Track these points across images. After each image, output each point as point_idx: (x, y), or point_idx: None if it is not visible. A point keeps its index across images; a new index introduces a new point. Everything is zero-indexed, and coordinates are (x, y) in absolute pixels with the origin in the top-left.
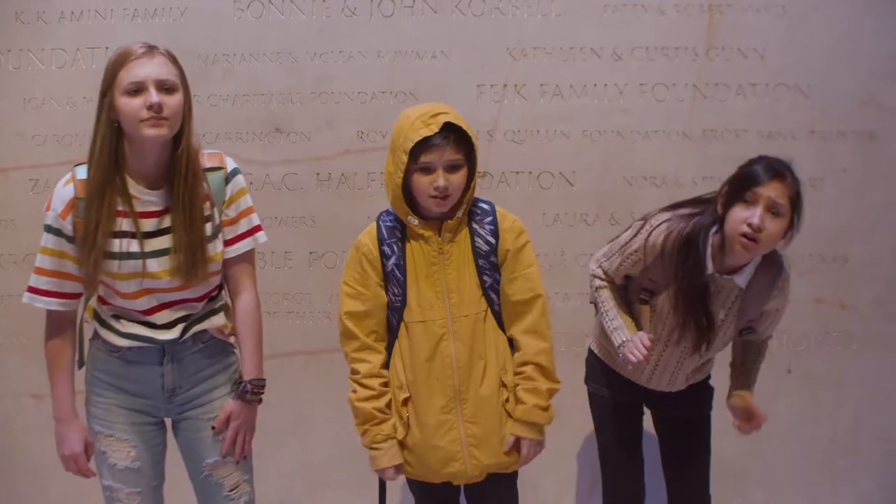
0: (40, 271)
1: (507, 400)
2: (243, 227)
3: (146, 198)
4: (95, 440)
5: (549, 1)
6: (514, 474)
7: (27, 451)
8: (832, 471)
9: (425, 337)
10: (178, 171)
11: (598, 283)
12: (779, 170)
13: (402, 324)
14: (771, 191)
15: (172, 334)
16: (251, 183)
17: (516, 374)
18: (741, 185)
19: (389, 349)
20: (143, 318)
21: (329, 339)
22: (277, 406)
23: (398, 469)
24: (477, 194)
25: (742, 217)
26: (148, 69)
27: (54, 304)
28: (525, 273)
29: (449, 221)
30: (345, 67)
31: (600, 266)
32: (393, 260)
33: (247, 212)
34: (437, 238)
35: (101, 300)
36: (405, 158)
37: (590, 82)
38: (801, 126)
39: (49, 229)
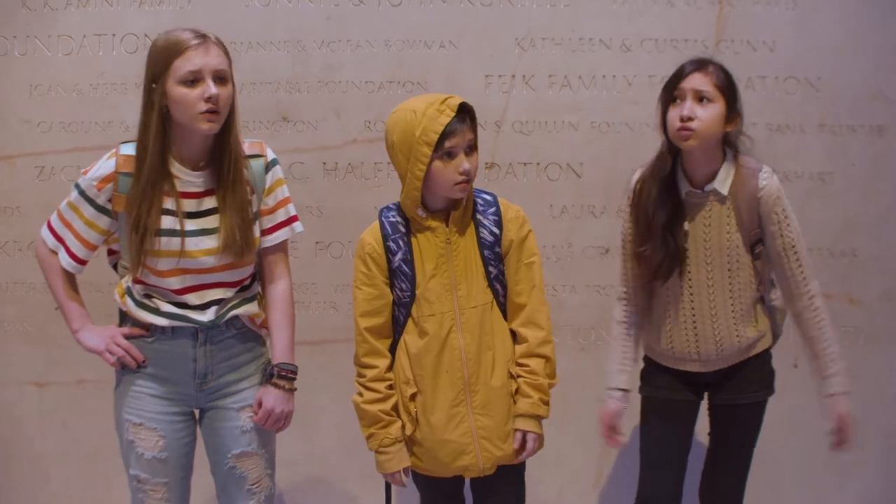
0: (59, 214)
1: (516, 391)
2: (281, 216)
3: (187, 178)
4: (124, 429)
5: None
6: (522, 467)
7: (29, 440)
8: (837, 466)
9: (434, 331)
10: (227, 155)
11: (616, 313)
12: (698, 62)
13: (410, 319)
14: (692, 82)
15: (207, 316)
16: None
17: (519, 365)
18: (668, 89)
19: (395, 345)
20: (175, 298)
21: (334, 329)
22: None
23: (407, 472)
24: (485, 186)
25: (674, 115)
26: (206, 59)
27: (58, 247)
28: (527, 262)
29: (455, 212)
30: (352, 56)
31: (619, 296)
32: (399, 255)
33: (284, 202)
34: (445, 228)
35: (136, 280)
36: (428, 151)
37: (599, 74)
38: (811, 120)
39: (78, 189)
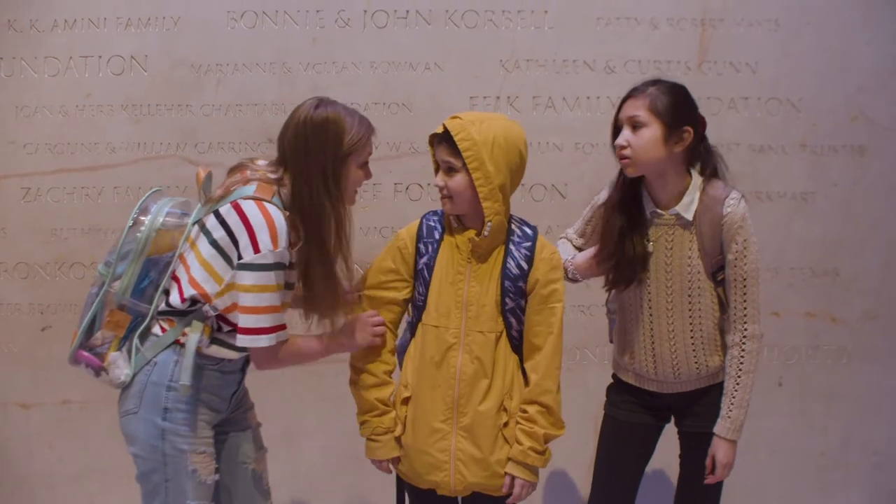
0: (279, 308)
1: (505, 424)
2: None
3: None
4: (184, 461)
5: (542, 13)
6: (504, 497)
7: (16, 462)
8: (822, 483)
9: (436, 343)
10: None
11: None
12: (635, 88)
13: (420, 324)
14: (625, 110)
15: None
16: None
17: (521, 411)
18: (614, 118)
19: (406, 346)
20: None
21: None
22: (266, 417)
23: (394, 462)
24: None
25: (616, 144)
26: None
27: (284, 334)
28: (550, 308)
29: (476, 238)
30: (338, 78)
31: (566, 235)
32: (425, 259)
33: None
34: (468, 247)
35: (226, 321)
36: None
37: (582, 95)
38: (793, 140)
39: (281, 266)
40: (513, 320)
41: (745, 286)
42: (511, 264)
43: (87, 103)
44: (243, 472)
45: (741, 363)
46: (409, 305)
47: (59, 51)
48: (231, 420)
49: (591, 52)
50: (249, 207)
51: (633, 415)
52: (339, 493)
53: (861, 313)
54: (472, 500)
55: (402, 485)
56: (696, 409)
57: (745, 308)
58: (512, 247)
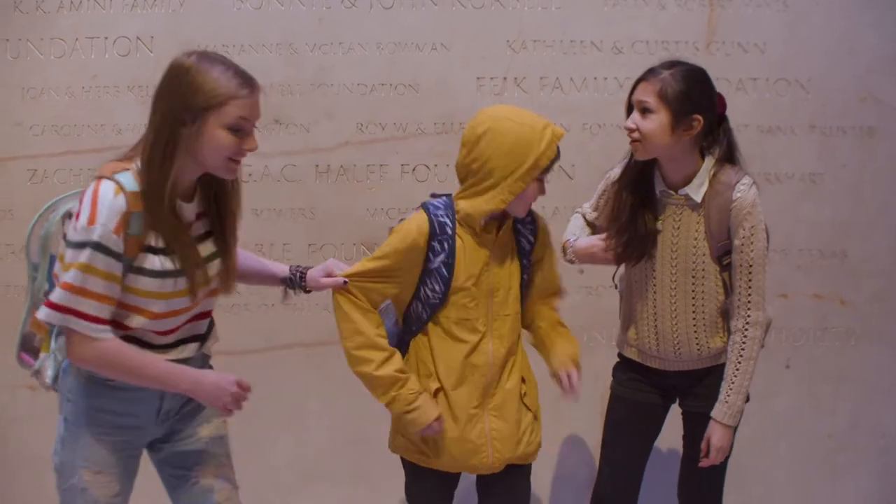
0: (85, 292)
1: (524, 394)
2: None
3: (181, 211)
4: (74, 477)
5: None
6: (529, 465)
7: (24, 442)
8: (831, 466)
9: (468, 335)
10: (223, 183)
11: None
12: (650, 70)
13: (433, 320)
14: (637, 93)
15: (185, 353)
16: (250, 174)
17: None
18: (628, 98)
19: (410, 339)
20: (157, 341)
21: (326, 331)
22: (272, 398)
23: (440, 419)
24: None
25: (625, 127)
26: (257, 111)
27: (104, 331)
28: (550, 256)
29: (507, 223)
30: (344, 59)
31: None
32: (441, 257)
33: None
34: (492, 237)
35: (123, 327)
36: (537, 173)
37: (590, 76)
38: (801, 121)
39: (98, 247)
40: (525, 293)
41: (750, 273)
42: (523, 241)
43: (93, 84)
44: (189, 482)
45: (742, 349)
46: (417, 303)
47: (65, 32)
48: (177, 431)
49: (599, 33)
50: (90, 188)
51: (638, 393)
52: (346, 474)
53: (870, 295)
54: (501, 475)
55: (415, 469)
56: (698, 389)
57: (749, 294)
58: (520, 226)
